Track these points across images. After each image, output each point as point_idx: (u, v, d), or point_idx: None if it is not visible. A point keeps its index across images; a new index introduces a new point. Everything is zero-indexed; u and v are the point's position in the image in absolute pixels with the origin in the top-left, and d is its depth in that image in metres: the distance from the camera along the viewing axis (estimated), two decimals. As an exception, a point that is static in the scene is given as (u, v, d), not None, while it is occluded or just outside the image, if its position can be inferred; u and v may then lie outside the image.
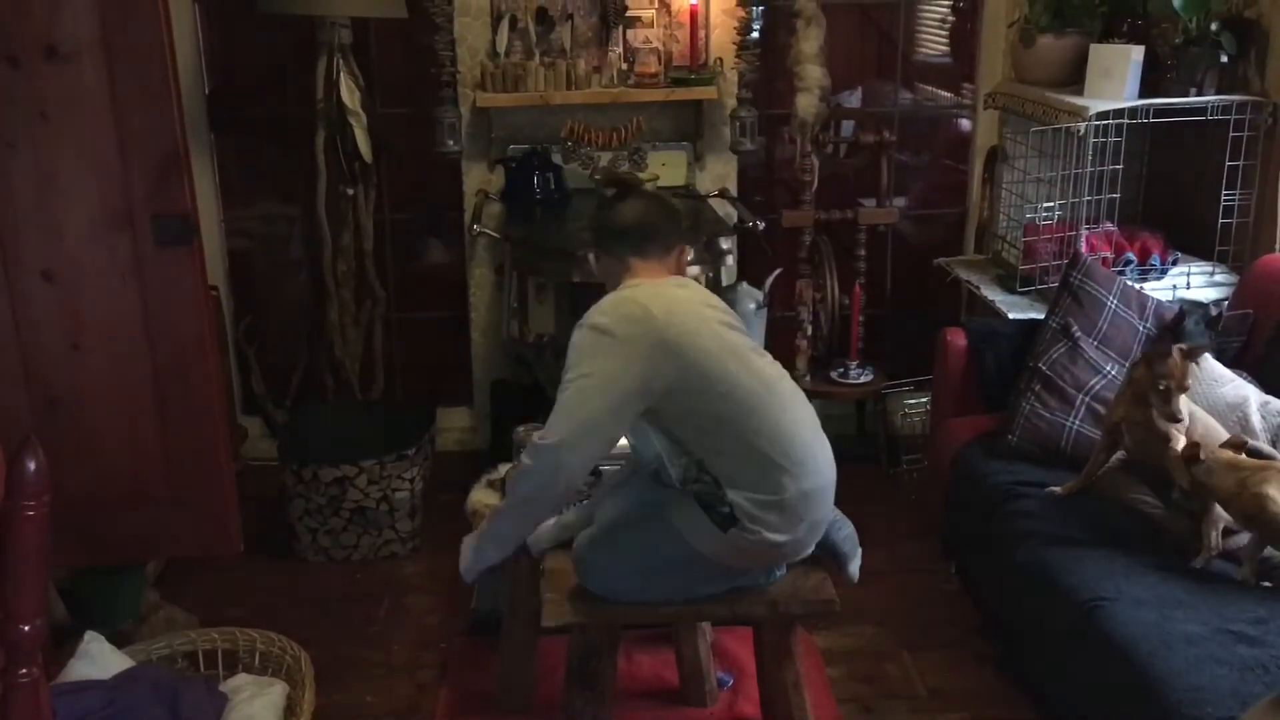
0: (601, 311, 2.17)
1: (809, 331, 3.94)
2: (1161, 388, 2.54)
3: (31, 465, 1.28)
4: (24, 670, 1.32)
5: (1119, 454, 2.69)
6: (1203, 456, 2.45)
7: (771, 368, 2.23)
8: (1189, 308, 3.05)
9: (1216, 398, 2.77)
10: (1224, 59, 3.27)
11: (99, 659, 2.52)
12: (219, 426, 2.61)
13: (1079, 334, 2.97)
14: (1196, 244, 3.50)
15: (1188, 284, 3.39)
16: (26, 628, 1.31)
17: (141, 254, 2.45)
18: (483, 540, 2.36)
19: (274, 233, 4.10)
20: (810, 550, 2.23)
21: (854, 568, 2.35)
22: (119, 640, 2.74)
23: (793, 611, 2.29)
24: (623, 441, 2.27)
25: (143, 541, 2.65)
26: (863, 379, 3.94)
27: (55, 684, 2.38)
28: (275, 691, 2.55)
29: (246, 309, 4.10)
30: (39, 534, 1.30)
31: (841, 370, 3.95)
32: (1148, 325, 3.03)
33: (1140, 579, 2.35)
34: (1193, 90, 3.29)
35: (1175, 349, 2.54)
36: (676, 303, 2.19)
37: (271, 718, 2.48)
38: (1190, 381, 2.55)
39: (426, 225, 4.12)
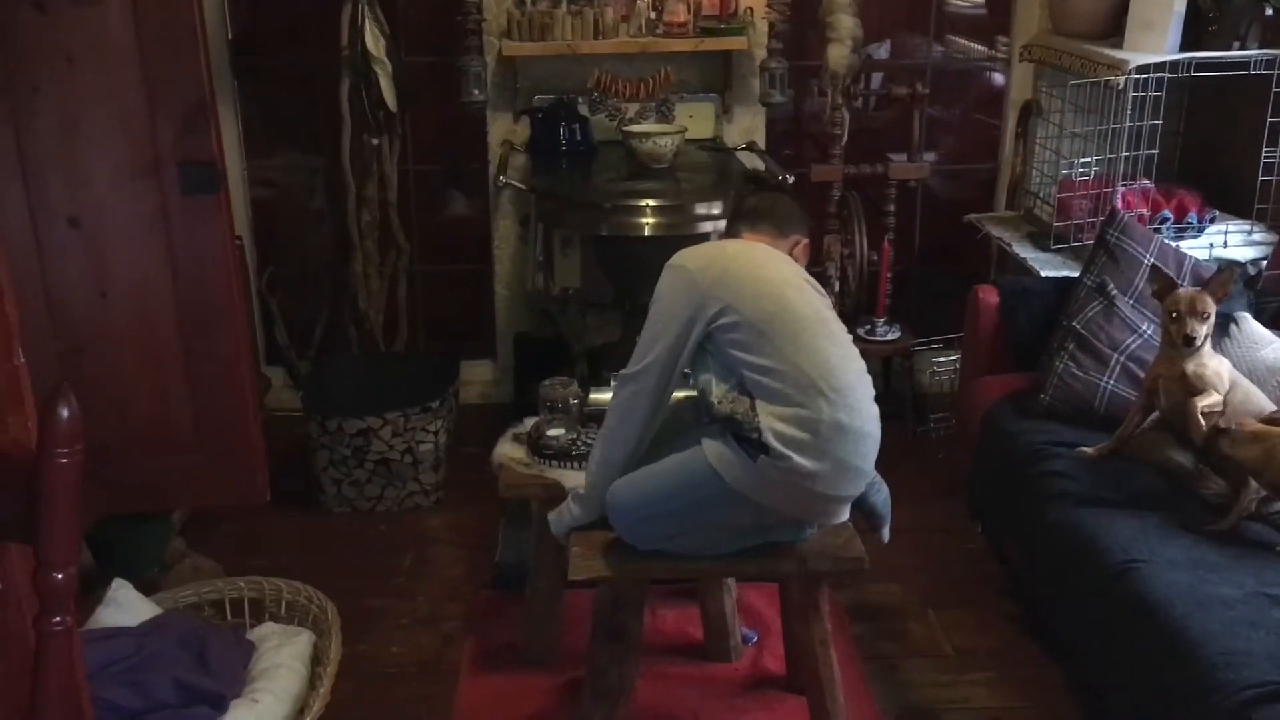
0: (680, 254, 2.30)
1: (836, 288, 3.90)
2: (1174, 315, 2.54)
3: (65, 412, 1.26)
4: (57, 618, 1.31)
5: (1154, 415, 2.65)
6: (1222, 425, 2.43)
7: (831, 314, 2.23)
8: (1226, 267, 2.99)
9: (1256, 361, 2.73)
10: (1269, 12, 3.19)
11: (127, 606, 2.54)
12: (246, 375, 2.61)
13: (1115, 292, 2.93)
14: (1234, 202, 3.44)
15: (1225, 242, 3.33)
16: (60, 575, 1.30)
17: (168, 202, 2.43)
18: (579, 502, 2.34)
19: (297, 183, 4.07)
20: (844, 502, 2.19)
21: (887, 529, 2.33)
22: (145, 589, 2.75)
23: (821, 568, 2.28)
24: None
25: (169, 490, 2.65)
26: (890, 336, 3.90)
27: (84, 630, 2.39)
28: (302, 640, 2.56)
29: (269, 260, 4.08)
30: (72, 481, 1.29)
31: (869, 327, 3.91)
32: (1184, 284, 2.98)
33: (1174, 541, 2.33)
34: (1235, 44, 3.22)
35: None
36: (754, 250, 2.29)
37: (299, 666, 2.49)
38: (1206, 308, 2.52)
39: (450, 176, 4.08)
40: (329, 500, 3.47)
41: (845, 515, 2.23)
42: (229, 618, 2.71)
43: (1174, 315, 2.54)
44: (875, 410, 2.16)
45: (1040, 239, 3.58)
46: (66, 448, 1.27)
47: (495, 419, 3.98)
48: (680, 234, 3.14)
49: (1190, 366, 2.50)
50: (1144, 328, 2.89)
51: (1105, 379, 2.84)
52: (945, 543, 3.25)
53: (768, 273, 2.22)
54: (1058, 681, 2.67)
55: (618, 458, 2.26)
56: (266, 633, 2.59)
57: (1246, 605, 2.10)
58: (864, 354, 2.28)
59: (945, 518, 3.33)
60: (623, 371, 2.26)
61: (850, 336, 2.23)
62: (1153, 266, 2.75)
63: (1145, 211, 3.34)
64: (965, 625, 2.90)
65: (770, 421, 2.06)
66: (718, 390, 2.13)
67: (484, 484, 3.36)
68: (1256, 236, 3.31)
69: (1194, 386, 2.49)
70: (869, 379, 2.19)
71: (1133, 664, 2.20)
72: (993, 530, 3.16)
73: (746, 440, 2.08)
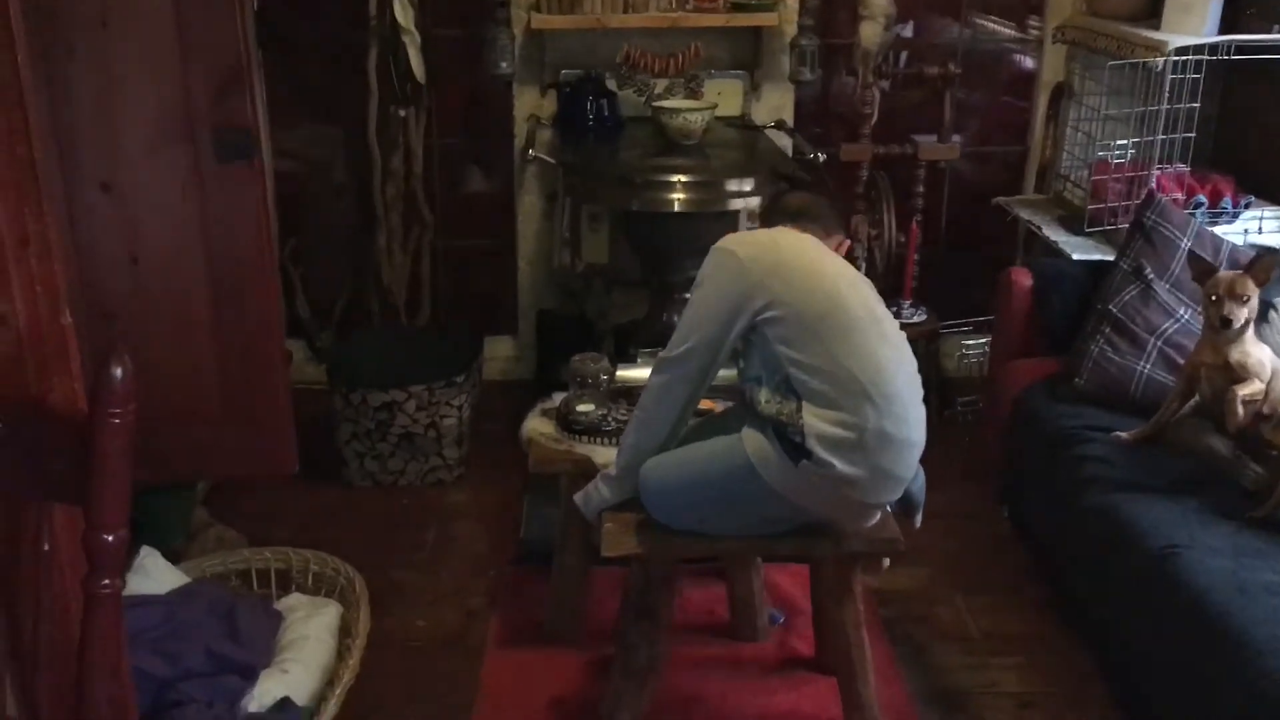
0: (730, 238, 2.25)
1: (863, 269, 3.87)
2: (1213, 299, 2.51)
3: (118, 372, 1.25)
4: (106, 581, 1.30)
5: (1192, 401, 2.62)
6: (1266, 411, 2.41)
7: (883, 310, 2.18)
8: (1268, 252, 2.95)
9: (1295, 347, 2.70)
10: (1311, -5, 3.15)
11: (154, 574, 2.53)
12: (276, 345, 2.59)
13: (1151, 276, 2.90)
14: (1269, 187, 3.40)
15: (1260, 228, 3.29)
16: (110, 538, 1.29)
17: (202, 167, 2.40)
18: (609, 484, 2.30)
19: (322, 155, 4.03)
20: (881, 508, 2.17)
21: (920, 515, 2.30)
22: (170, 558, 2.74)
23: (855, 550, 2.26)
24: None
25: (198, 460, 2.63)
26: (915, 319, 3.87)
27: (113, 598, 2.39)
28: (330, 612, 2.55)
29: (292, 231, 4.05)
30: (125, 442, 1.27)
31: (895, 309, 3.88)
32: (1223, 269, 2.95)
33: (1214, 527, 2.31)
34: (1276, 27, 3.18)
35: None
36: (806, 242, 2.23)
37: (327, 637, 2.48)
38: (1247, 291, 2.49)
39: (475, 151, 4.05)
40: (351, 474, 3.46)
41: (879, 517, 2.21)
42: (255, 588, 2.70)
43: (1213, 299, 2.51)
44: (922, 414, 2.12)
45: (1071, 222, 3.54)
46: (120, 407, 1.25)
47: (517, 396, 3.97)
48: (711, 210, 3.12)
49: (1234, 355, 2.48)
50: (1181, 312, 2.87)
51: (1141, 363, 2.81)
52: (972, 527, 3.23)
53: (823, 266, 2.16)
54: (1089, 667, 2.65)
55: (650, 445, 2.23)
56: (294, 603, 2.58)
57: (1289, 592, 2.08)
58: None
59: (972, 502, 3.31)
60: (661, 354, 2.21)
61: (904, 335, 2.18)
62: (1190, 252, 2.71)
63: (1180, 196, 3.30)
64: (993, 609, 2.88)
65: (815, 424, 2.03)
66: (764, 392, 2.10)
67: (506, 459, 3.36)
68: (1292, 223, 3.27)
69: (1237, 375, 2.46)
70: (918, 380, 2.15)
71: (1172, 651, 2.18)
72: (1020, 515, 3.14)
73: (789, 441, 2.05)
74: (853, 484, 2.05)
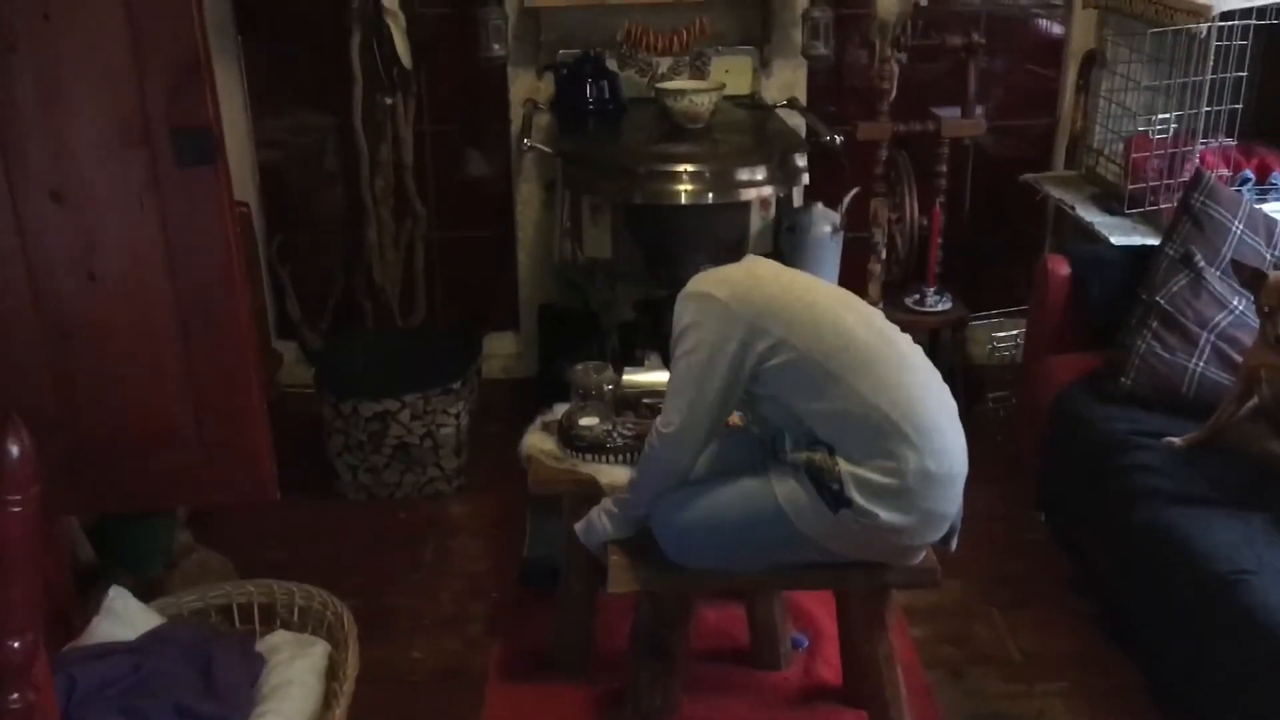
0: (701, 279, 2.00)
1: (883, 255, 3.64)
2: (1266, 310, 2.30)
3: (15, 450, 1.04)
4: (15, 695, 1.09)
5: (1251, 403, 2.40)
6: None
7: (891, 328, 1.97)
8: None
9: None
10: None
11: (125, 616, 2.32)
12: (250, 362, 2.37)
13: (1202, 264, 2.67)
14: (1320, 161, 3.16)
15: (1312, 206, 3.06)
16: (16, 644, 1.08)
17: (160, 173, 2.18)
18: (614, 520, 2.10)
19: (307, 145, 3.80)
20: (925, 548, 1.97)
21: (956, 539, 2.09)
22: (150, 587, 2.57)
23: (889, 581, 2.05)
24: None
25: (169, 488, 2.42)
26: (940, 307, 3.65)
27: (78, 648, 2.19)
28: (316, 652, 2.34)
29: (279, 227, 3.84)
30: (28, 533, 1.06)
31: (918, 297, 3.66)
32: (1276, 253, 2.72)
33: (1284, 548, 2.09)
34: (1331, -13, 2.93)
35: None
36: (783, 270, 2.02)
37: (313, 681, 2.28)
38: None
39: (469, 138, 3.82)
40: (345, 486, 3.26)
41: (923, 555, 2.00)
42: (238, 623, 2.50)
43: (1267, 310, 2.28)
44: (963, 442, 1.90)
45: (1106, 201, 3.31)
46: (18, 494, 1.04)
47: (518, 395, 3.77)
48: (721, 201, 2.89)
49: (1298, 357, 2.25)
50: (1235, 302, 2.63)
51: (1194, 360, 2.58)
52: (1007, 532, 3.02)
53: (816, 296, 1.94)
54: (1141, 691, 2.44)
55: (650, 497, 2.04)
56: (278, 642, 2.38)
57: (1374, 625, 1.87)
58: (912, 327, 2.04)
59: (1006, 504, 3.09)
60: (659, 428, 1.97)
61: (917, 347, 1.97)
62: (1233, 260, 2.46)
63: (1226, 172, 3.07)
64: (1034, 626, 2.68)
65: (852, 471, 1.82)
66: (788, 442, 1.89)
67: (508, 467, 3.11)
68: (1348, 199, 3.03)
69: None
70: (952, 404, 1.93)
71: (1243, 687, 1.97)
72: (1060, 521, 2.92)
73: (825, 488, 1.83)
74: (899, 531, 1.84)
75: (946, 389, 1.95)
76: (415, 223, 3.74)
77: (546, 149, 3.25)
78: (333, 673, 2.32)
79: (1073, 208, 3.33)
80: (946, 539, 2.03)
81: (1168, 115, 3.08)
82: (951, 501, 1.89)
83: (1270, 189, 3.10)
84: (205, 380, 2.34)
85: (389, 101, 3.53)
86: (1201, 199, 2.74)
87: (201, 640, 2.27)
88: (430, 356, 3.38)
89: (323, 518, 3.18)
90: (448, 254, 3.91)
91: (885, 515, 1.80)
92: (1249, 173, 3.10)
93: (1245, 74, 2.97)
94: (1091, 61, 3.61)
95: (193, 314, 2.29)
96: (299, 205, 3.86)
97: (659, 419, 1.96)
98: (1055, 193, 3.49)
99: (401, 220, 3.72)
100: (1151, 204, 3.10)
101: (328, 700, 2.24)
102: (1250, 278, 2.33)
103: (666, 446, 1.94)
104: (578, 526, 2.16)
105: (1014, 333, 3.57)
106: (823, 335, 1.86)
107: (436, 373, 3.23)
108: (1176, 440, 2.46)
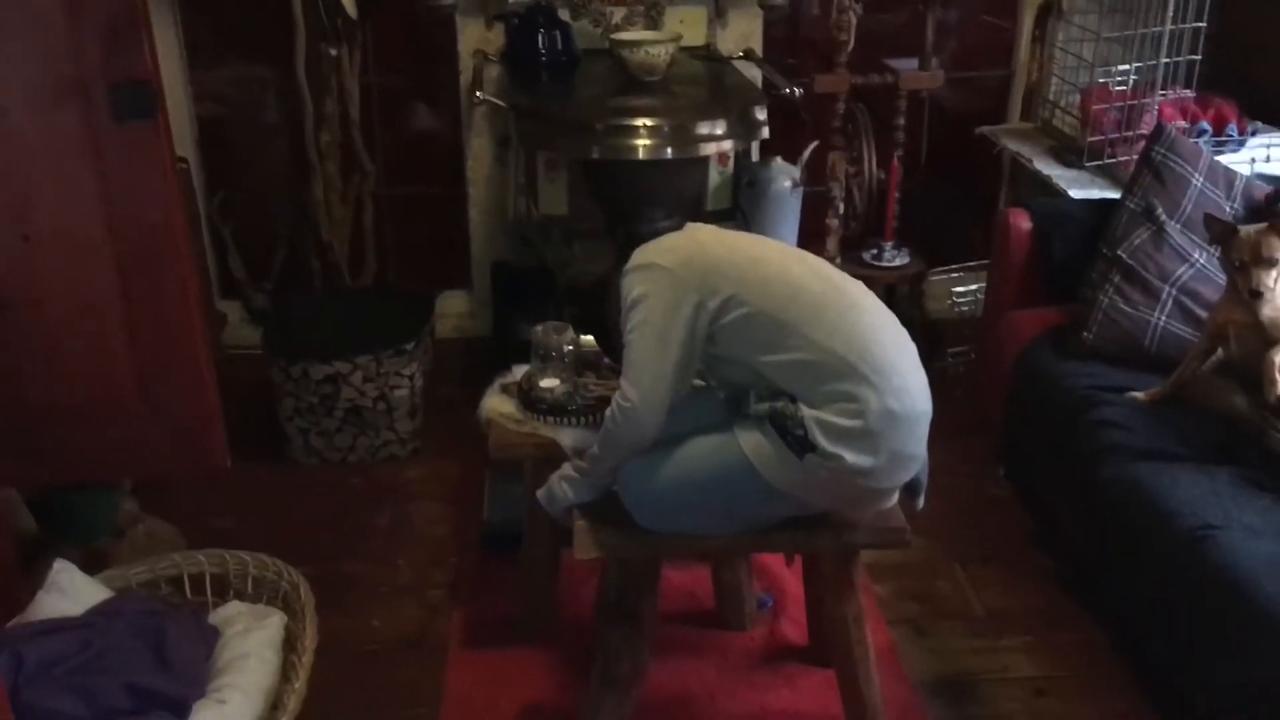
0: (643, 252, 1.98)
1: (840, 210, 3.60)
2: (1237, 264, 2.28)
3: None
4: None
5: (1214, 357, 2.40)
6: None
7: (840, 275, 1.95)
8: (1282, 193, 2.73)
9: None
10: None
11: (71, 590, 2.24)
12: (195, 325, 2.29)
13: (1163, 217, 2.66)
14: (1273, 112, 3.16)
15: (1267, 157, 3.06)
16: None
17: (97, 129, 2.08)
18: (576, 487, 2.05)
19: (249, 98, 3.66)
20: (895, 491, 1.94)
21: (923, 497, 2.07)
22: (96, 558, 2.49)
23: (858, 541, 2.03)
24: None
25: (115, 458, 2.35)
26: (897, 262, 3.62)
27: (23, 624, 2.11)
28: (272, 624, 2.28)
29: (220, 183, 3.71)
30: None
31: (875, 251, 3.63)
32: (1236, 206, 2.72)
33: (1250, 503, 2.09)
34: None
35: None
36: (724, 233, 2.01)
37: (269, 654, 2.21)
38: (1274, 253, 2.25)
39: (417, 90, 3.71)
40: (295, 451, 3.18)
41: (894, 501, 1.98)
42: (189, 595, 2.43)
43: (1238, 265, 2.27)
44: (924, 381, 1.89)
45: (1063, 154, 3.29)
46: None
47: (473, 355, 3.70)
48: (680, 156, 2.82)
49: (1266, 312, 2.24)
50: (1196, 255, 2.63)
51: (1156, 314, 2.58)
52: (969, 488, 3.02)
53: (761, 251, 1.94)
54: (1104, 646, 2.46)
55: (613, 466, 1.99)
56: (232, 614, 2.31)
57: (1342, 578, 1.87)
58: (869, 282, 2.01)
59: (967, 460, 3.08)
60: (619, 401, 1.92)
61: (870, 293, 1.95)
62: (1206, 215, 2.44)
63: (1183, 124, 3.06)
64: (997, 582, 2.69)
65: (815, 415, 1.80)
66: (750, 395, 1.86)
67: (465, 429, 3.05)
68: (1303, 151, 3.04)
69: (1272, 335, 2.23)
70: (911, 345, 1.91)
71: (1212, 646, 1.98)
72: (1019, 475, 2.93)
73: (790, 435, 1.80)
74: (866, 473, 1.82)
75: (904, 331, 1.94)
76: (363, 179, 3.63)
77: (499, 102, 3.15)
78: (290, 644, 2.26)
79: (1030, 161, 3.32)
80: (914, 493, 2.01)
81: (1126, 67, 3.06)
82: (918, 441, 1.87)
83: (1227, 140, 3.11)
84: (150, 346, 2.26)
85: (333, 52, 3.41)
86: (1162, 152, 2.72)
87: (153, 613, 2.19)
88: (382, 316, 3.30)
89: (274, 484, 3.10)
90: (397, 211, 3.81)
91: (851, 458, 1.78)
92: (1206, 124, 3.10)
93: (1203, 25, 2.95)
94: (1047, 12, 3.58)
95: (135, 275, 2.20)
96: (241, 161, 3.73)
97: (618, 393, 1.92)
98: (1012, 145, 3.47)
99: (349, 176, 3.61)
100: (1109, 157, 3.09)
101: (286, 673, 2.19)
102: (1222, 232, 2.32)
103: (629, 420, 1.90)
104: (539, 493, 2.11)
105: (974, 287, 3.56)
106: (771, 288, 1.85)
107: (389, 333, 3.15)
108: (1140, 395, 2.46)
